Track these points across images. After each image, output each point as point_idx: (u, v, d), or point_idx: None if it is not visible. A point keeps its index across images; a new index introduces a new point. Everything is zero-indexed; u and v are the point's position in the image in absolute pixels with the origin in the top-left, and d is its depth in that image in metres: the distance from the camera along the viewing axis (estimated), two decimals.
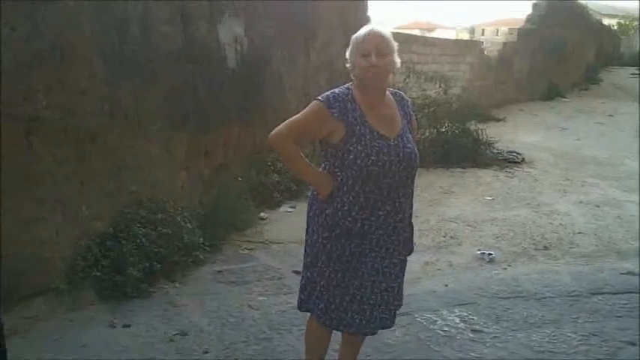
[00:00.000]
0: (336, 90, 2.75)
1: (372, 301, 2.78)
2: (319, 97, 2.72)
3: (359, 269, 2.73)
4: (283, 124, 2.76)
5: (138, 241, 4.41)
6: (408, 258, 2.96)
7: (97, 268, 4.21)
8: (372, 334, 2.94)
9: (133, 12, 4.76)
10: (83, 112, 4.28)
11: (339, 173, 2.70)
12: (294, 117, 2.76)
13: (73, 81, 4.17)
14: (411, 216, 2.91)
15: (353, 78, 2.79)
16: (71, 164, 4.21)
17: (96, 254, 4.29)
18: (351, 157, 2.64)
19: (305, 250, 2.90)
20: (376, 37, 2.69)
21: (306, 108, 2.76)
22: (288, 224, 5.87)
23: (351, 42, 2.77)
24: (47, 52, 3.94)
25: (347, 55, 2.79)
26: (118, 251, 4.30)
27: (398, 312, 2.95)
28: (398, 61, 2.78)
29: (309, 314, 2.99)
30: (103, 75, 4.44)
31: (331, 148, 2.71)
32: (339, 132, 2.66)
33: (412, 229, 2.96)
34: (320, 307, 2.82)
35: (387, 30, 2.78)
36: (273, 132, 2.76)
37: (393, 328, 3.15)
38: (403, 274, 2.93)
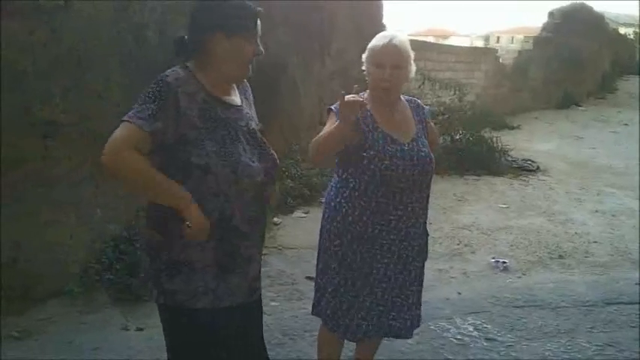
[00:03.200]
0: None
1: (381, 308, 2.78)
2: (332, 107, 2.75)
3: (370, 275, 2.73)
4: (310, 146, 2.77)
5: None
6: None
7: (110, 271, 4.24)
8: (386, 336, 2.92)
9: (150, 18, 4.80)
10: (99, 117, 4.30)
11: (351, 179, 2.70)
12: (318, 135, 2.76)
13: (89, 85, 4.21)
14: (425, 222, 2.90)
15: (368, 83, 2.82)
16: (87, 168, 4.23)
17: (110, 257, 4.32)
18: (365, 162, 2.65)
19: (318, 256, 2.91)
20: (392, 50, 2.69)
21: (326, 122, 2.77)
22: (302, 230, 5.86)
23: (367, 48, 2.78)
24: (65, 57, 3.99)
25: (363, 58, 2.80)
26: (132, 255, 4.31)
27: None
28: (413, 69, 2.79)
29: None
30: (119, 80, 4.48)
31: (344, 154, 2.72)
32: (353, 140, 2.66)
33: (427, 236, 2.95)
34: (327, 312, 2.82)
35: (404, 37, 2.78)
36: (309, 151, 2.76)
37: None
38: (420, 284, 2.91)
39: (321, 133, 2.71)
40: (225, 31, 2.10)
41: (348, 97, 2.42)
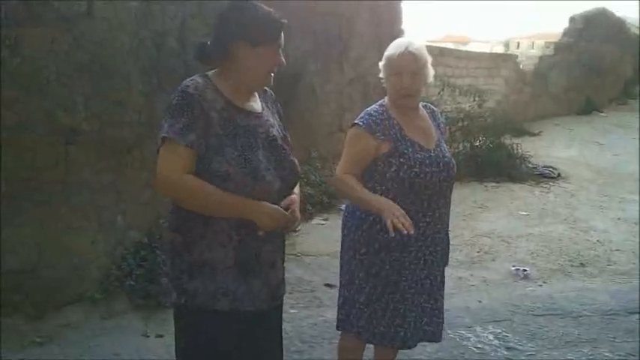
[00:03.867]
0: (372, 110, 2.78)
1: (414, 313, 2.77)
2: (359, 123, 2.73)
3: (399, 283, 2.72)
4: (338, 167, 2.80)
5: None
6: None
7: (131, 277, 4.26)
8: (420, 342, 2.91)
9: (171, 25, 4.84)
10: (120, 124, 4.35)
11: (378, 187, 2.70)
12: (344, 154, 2.78)
13: (111, 93, 4.25)
14: (448, 227, 2.90)
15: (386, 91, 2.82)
16: (108, 174, 4.28)
17: (130, 264, 4.34)
18: (393, 169, 2.64)
19: (341, 268, 2.90)
20: (409, 58, 2.70)
21: (349, 137, 2.78)
22: (321, 237, 5.87)
23: (384, 57, 2.78)
24: (87, 64, 4.03)
25: (380, 66, 2.80)
26: (152, 261, 4.34)
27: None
28: (431, 72, 2.79)
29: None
30: (140, 87, 4.52)
31: (372, 163, 2.72)
32: (382, 149, 2.67)
33: (449, 241, 2.94)
34: (360, 324, 2.79)
35: (419, 44, 2.78)
36: (332, 180, 2.80)
37: (424, 344, 3.12)
38: (443, 287, 2.92)
39: (346, 162, 2.75)
40: (250, 40, 2.12)
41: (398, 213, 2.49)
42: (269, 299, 2.24)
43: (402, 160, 2.64)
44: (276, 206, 2.12)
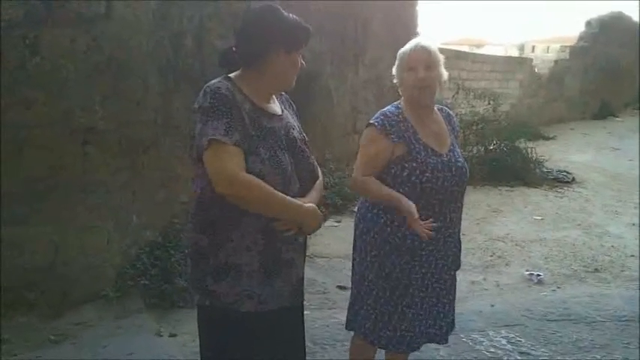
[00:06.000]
0: (387, 111, 2.76)
1: (421, 317, 2.77)
2: (374, 123, 2.72)
3: (409, 286, 2.72)
4: (355, 170, 2.79)
5: (186, 251, 4.47)
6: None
7: (145, 276, 4.29)
8: (418, 349, 2.91)
9: (188, 26, 4.87)
10: (137, 123, 4.38)
11: None
12: (360, 155, 2.77)
13: (128, 93, 4.27)
14: (459, 231, 2.89)
15: (401, 94, 2.81)
16: (124, 174, 4.30)
17: (145, 263, 4.37)
18: (405, 174, 2.63)
19: (352, 268, 2.90)
20: (422, 51, 2.71)
21: (365, 138, 2.77)
22: (334, 238, 5.86)
23: (397, 57, 2.78)
24: (105, 64, 4.06)
25: (394, 71, 2.80)
26: (167, 261, 4.37)
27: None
28: (445, 73, 2.79)
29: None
30: (157, 87, 4.55)
31: (385, 166, 2.71)
32: (396, 151, 2.67)
33: (460, 245, 2.94)
34: (367, 325, 2.80)
35: (432, 42, 2.78)
36: (351, 182, 2.83)
37: (437, 347, 3.11)
38: (454, 291, 2.91)
39: (362, 163, 2.73)
40: (287, 46, 2.18)
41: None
42: (291, 297, 2.26)
43: (414, 164, 2.64)
44: (316, 207, 2.18)
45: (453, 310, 2.93)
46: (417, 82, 2.68)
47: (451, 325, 2.93)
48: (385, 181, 2.70)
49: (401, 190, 2.64)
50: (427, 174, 2.62)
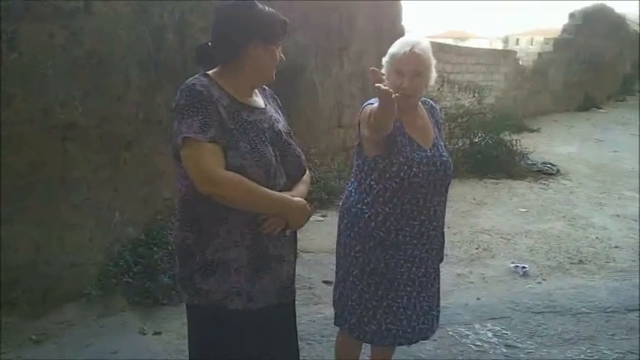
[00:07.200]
0: (374, 101, 2.71)
1: (409, 312, 2.75)
2: (367, 103, 2.66)
3: (394, 280, 2.70)
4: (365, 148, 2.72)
5: (169, 248, 4.42)
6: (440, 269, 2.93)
7: (128, 274, 4.23)
8: (409, 344, 2.90)
9: (169, 20, 4.81)
10: (118, 119, 4.32)
11: (375, 185, 2.67)
12: (367, 123, 2.59)
13: (108, 88, 4.22)
14: (443, 224, 2.88)
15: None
16: (106, 170, 4.25)
17: (128, 260, 4.31)
18: (394, 169, 2.61)
19: (337, 264, 2.88)
20: (413, 58, 2.64)
21: (364, 114, 2.63)
22: (319, 233, 5.83)
23: (388, 53, 2.73)
24: (84, 59, 4.00)
25: (383, 62, 2.76)
26: (150, 258, 4.32)
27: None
28: (434, 75, 2.74)
29: None
30: (138, 82, 4.49)
31: (369, 160, 2.69)
32: (382, 143, 2.62)
33: (444, 238, 2.93)
34: (352, 321, 2.78)
35: (426, 44, 2.72)
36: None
37: (424, 342, 3.10)
38: (438, 282, 2.91)
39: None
40: (263, 39, 2.15)
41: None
42: (279, 294, 2.24)
43: (400, 158, 2.61)
44: (304, 201, 2.15)
45: (438, 302, 2.93)
46: (400, 90, 2.62)
47: (438, 317, 2.92)
48: (369, 178, 2.68)
49: (387, 185, 2.62)
50: (414, 168, 2.60)
